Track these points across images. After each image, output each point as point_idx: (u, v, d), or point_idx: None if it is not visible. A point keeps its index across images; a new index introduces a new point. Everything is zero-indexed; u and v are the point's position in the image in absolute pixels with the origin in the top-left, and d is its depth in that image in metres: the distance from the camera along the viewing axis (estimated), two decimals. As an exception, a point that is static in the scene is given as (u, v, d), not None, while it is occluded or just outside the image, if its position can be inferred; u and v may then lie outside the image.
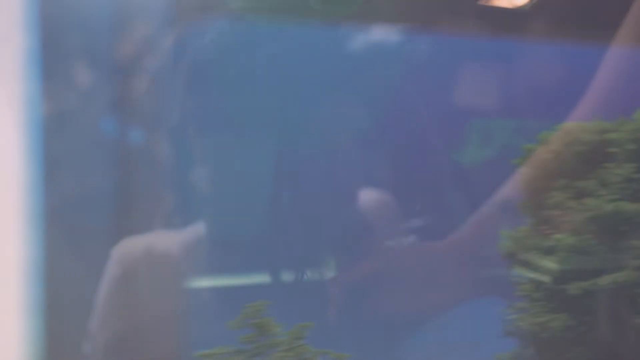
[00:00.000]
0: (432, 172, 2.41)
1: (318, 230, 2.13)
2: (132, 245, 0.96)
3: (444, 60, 2.25)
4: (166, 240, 1.03)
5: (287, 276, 2.10)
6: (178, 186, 0.97)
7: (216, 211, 1.96)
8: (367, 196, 2.12)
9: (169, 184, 0.95)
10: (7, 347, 0.80)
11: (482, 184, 2.50)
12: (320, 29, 1.98)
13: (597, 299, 2.34)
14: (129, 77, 0.90)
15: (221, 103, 2.11)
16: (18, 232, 0.81)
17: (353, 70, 2.18)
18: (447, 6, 1.95)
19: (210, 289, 1.85)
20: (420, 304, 2.19)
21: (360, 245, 2.13)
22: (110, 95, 0.89)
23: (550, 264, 2.36)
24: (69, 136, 0.89)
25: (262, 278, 2.08)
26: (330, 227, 2.13)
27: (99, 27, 0.88)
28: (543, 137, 2.45)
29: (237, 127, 2.15)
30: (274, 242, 2.11)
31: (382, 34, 2.06)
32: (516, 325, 2.40)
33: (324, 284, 2.15)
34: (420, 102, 2.22)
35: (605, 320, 2.35)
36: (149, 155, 0.90)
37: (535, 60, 2.24)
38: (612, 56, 2.10)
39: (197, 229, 1.27)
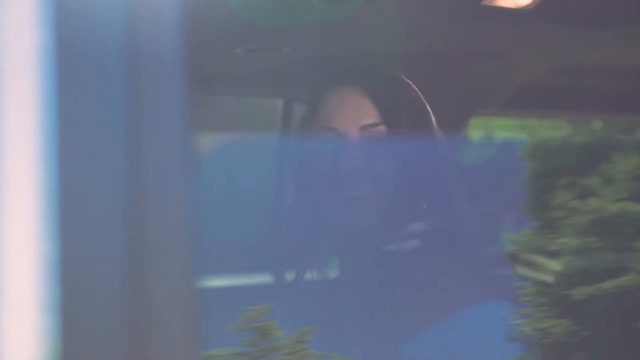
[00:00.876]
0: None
1: (322, 230, 2.10)
2: (142, 242, 0.94)
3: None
4: (177, 238, 1.00)
5: (290, 276, 2.07)
6: (191, 185, 0.95)
7: (226, 211, 1.93)
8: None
9: (182, 183, 0.92)
10: (25, 346, 0.80)
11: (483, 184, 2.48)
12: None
13: (601, 303, 2.30)
14: (142, 76, 0.87)
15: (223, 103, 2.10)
16: (35, 231, 0.80)
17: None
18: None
19: (213, 289, 1.81)
20: (423, 307, 2.16)
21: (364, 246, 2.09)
22: (126, 94, 0.87)
23: (554, 267, 2.32)
24: (84, 134, 0.86)
25: (265, 278, 2.05)
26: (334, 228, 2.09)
27: (114, 24, 0.86)
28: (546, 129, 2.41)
29: (238, 126, 2.13)
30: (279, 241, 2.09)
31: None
32: (520, 330, 2.36)
33: (328, 285, 2.11)
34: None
35: (610, 324, 2.31)
36: (162, 155, 0.88)
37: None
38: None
39: (210, 227, 1.23)
